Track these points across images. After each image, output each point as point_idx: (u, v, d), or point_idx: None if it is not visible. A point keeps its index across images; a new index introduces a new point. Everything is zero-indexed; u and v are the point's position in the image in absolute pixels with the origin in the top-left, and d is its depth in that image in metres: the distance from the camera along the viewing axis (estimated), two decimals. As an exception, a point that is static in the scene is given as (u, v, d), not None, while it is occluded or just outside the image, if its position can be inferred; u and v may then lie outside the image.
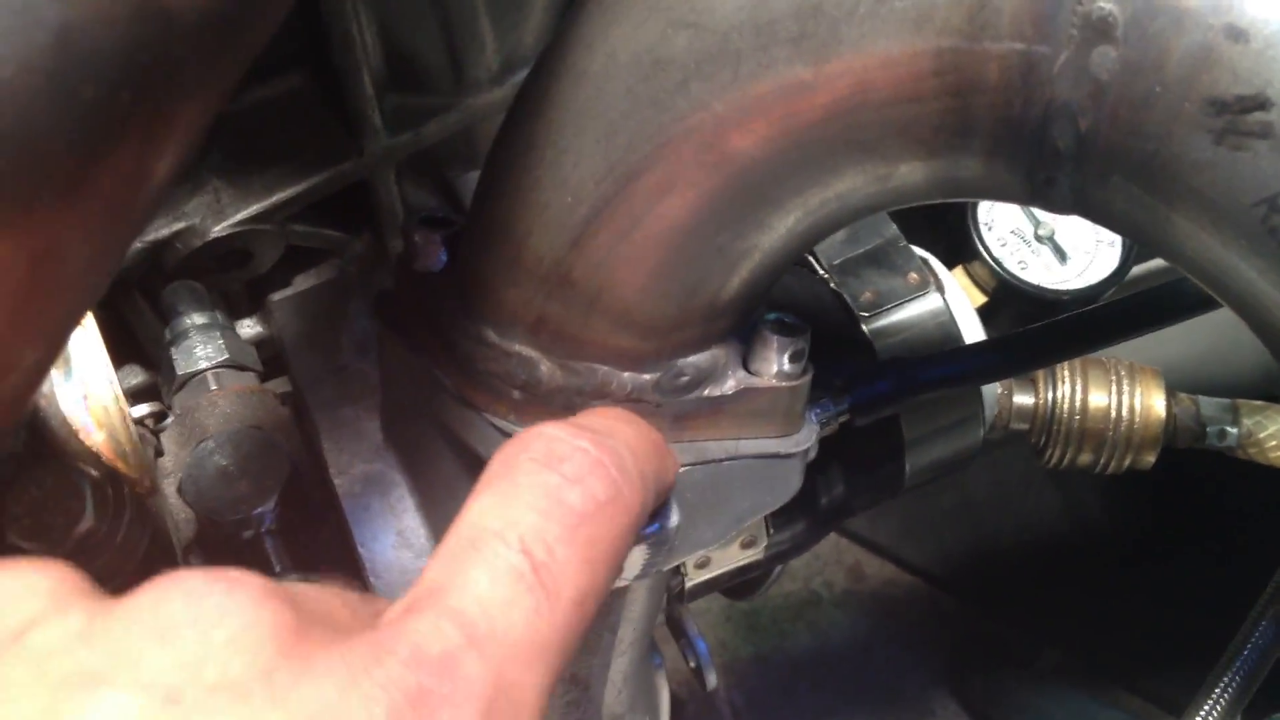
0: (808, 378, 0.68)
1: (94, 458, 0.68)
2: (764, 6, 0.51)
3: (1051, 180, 0.51)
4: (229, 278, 0.98)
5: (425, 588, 0.39)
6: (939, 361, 0.80)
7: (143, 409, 0.88)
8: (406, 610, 0.38)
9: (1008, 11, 0.47)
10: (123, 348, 1.02)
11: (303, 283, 1.01)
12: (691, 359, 0.65)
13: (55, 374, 0.68)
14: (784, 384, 0.67)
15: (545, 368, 0.64)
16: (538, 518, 0.41)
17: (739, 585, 1.01)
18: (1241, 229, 0.47)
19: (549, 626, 0.39)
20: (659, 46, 0.54)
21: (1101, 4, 0.46)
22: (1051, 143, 0.49)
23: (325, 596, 0.39)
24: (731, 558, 0.90)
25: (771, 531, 0.89)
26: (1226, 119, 0.45)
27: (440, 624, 0.37)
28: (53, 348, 0.40)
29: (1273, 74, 0.44)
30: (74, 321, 0.41)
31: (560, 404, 0.65)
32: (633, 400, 0.64)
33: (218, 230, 0.92)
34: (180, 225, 0.91)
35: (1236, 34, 0.44)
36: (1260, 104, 0.45)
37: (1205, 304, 0.80)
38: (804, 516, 0.90)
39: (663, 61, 0.54)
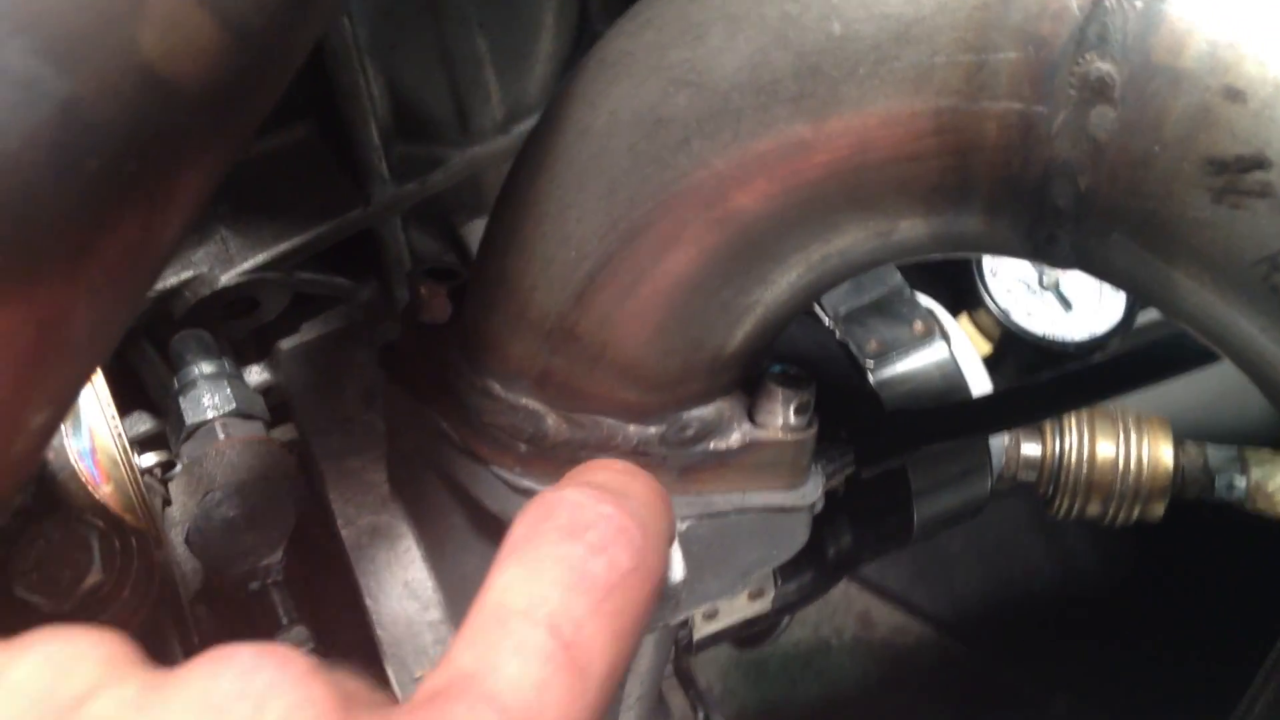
0: (813, 430, 0.68)
1: (101, 510, 0.68)
2: (764, 66, 0.52)
3: (1052, 237, 0.51)
4: (237, 325, 0.99)
5: (456, 670, 0.39)
6: (945, 413, 0.80)
7: (150, 458, 0.88)
8: (440, 694, 0.37)
9: (1006, 72, 0.48)
10: (131, 395, 1.02)
11: (310, 330, 1.02)
12: (696, 412, 0.65)
13: (63, 426, 0.68)
14: (790, 436, 0.67)
15: (551, 421, 0.64)
16: (564, 593, 0.41)
17: (747, 635, 1.01)
18: (1243, 287, 0.47)
19: (581, 705, 0.39)
20: (661, 105, 0.54)
21: (1099, 64, 0.46)
22: (1051, 201, 0.49)
23: (352, 681, 0.39)
24: (739, 609, 0.90)
25: (779, 582, 0.89)
26: (1226, 178, 0.45)
27: (477, 709, 0.37)
28: (59, 411, 0.41)
29: (1271, 134, 0.44)
30: (80, 384, 0.41)
31: (566, 457, 0.65)
32: (638, 453, 0.65)
33: (226, 279, 0.92)
34: (188, 274, 0.92)
35: (1234, 94, 0.45)
36: (1259, 163, 0.45)
37: (1213, 355, 0.80)
38: (812, 567, 0.90)
39: (664, 120, 0.54)
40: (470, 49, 0.92)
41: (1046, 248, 0.52)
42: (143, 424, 1.03)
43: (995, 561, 2.03)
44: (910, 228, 0.55)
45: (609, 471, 0.51)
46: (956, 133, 0.49)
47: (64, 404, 0.41)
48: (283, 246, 0.94)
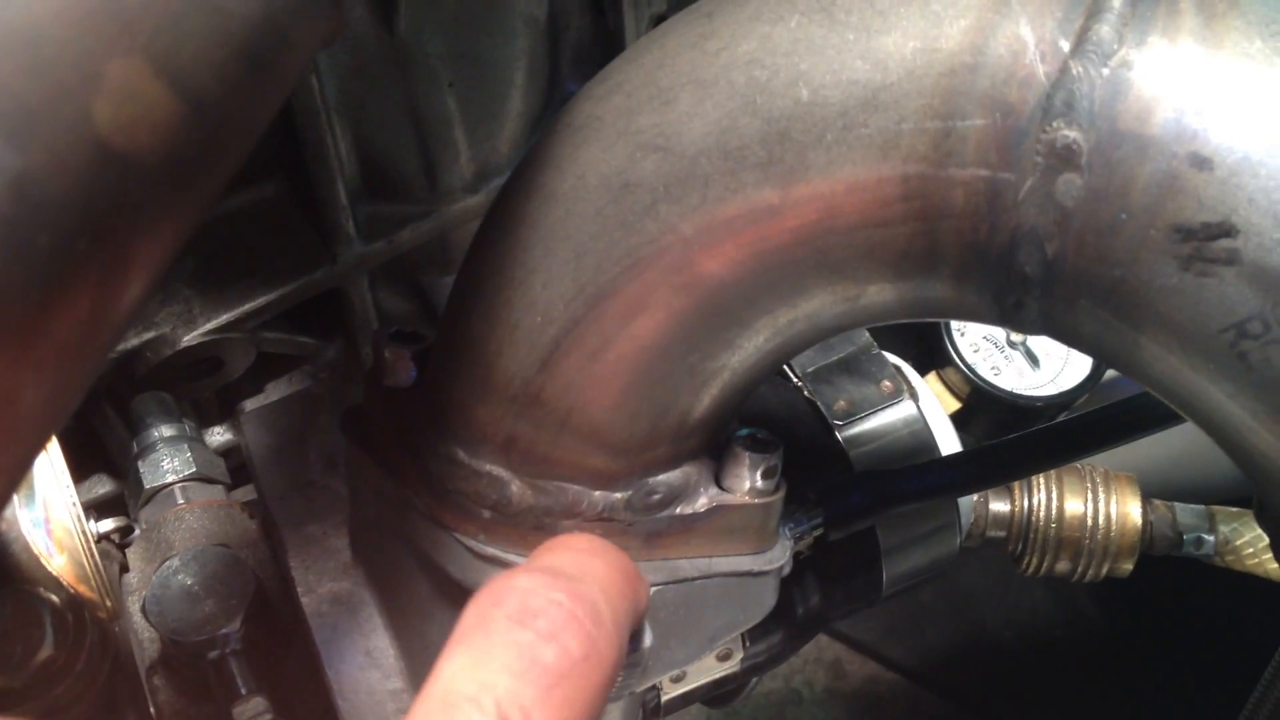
0: (781, 494, 0.67)
1: (54, 582, 0.66)
2: (732, 132, 0.51)
3: (1020, 304, 0.51)
4: (200, 385, 0.97)
5: None
6: (913, 474, 0.80)
7: (108, 524, 0.87)
8: None
9: (973, 139, 0.48)
10: (90, 457, 1.01)
11: (275, 390, 1.01)
12: (663, 477, 0.64)
13: (15, 498, 0.67)
14: (757, 501, 0.66)
15: (515, 487, 0.63)
16: (512, 680, 0.40)
17: (717, 695, 1.00)
18: (1210, 354, 0.47)
19: None
20: (628, 169, 0.54)
21: (1065, 132, 0.46)
22: (1019, 268, 0.49)
23: None
24: (707, 671, 0.89)
25: (748, 644, 0.88)
26: (1192, 246, 0.45)
27: None
28: (8, 488, 0.39)
29: (1237, 201, 0.44)
30: (30, 462, 0.40)
31: (530, 524, 0.64)
32: (604, 519, 0.64)
33: (188, 339, 0.91)
34: (150, 335, 0.90)
35: (1200, 162, 0.45)
36: (1226, 231, 0.45)
37: (1180, 415, 0.80)
38: (781, 628, 0.89)
39: (631, 184, 0.54)
40: (439, 108, 0.91)
41: (1014, 314, 0.52)
42: (103, 486, 1.02)
43: (968, 613, 2.03)
44: (878, 293, 0.54)
45: (569, 552, 0.50)
46: (924, 199, 0.49)
47: (12, 481, 0.40)
48: (247, 306, 0.93)
